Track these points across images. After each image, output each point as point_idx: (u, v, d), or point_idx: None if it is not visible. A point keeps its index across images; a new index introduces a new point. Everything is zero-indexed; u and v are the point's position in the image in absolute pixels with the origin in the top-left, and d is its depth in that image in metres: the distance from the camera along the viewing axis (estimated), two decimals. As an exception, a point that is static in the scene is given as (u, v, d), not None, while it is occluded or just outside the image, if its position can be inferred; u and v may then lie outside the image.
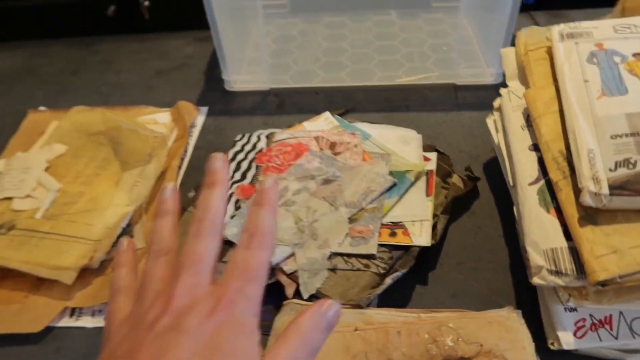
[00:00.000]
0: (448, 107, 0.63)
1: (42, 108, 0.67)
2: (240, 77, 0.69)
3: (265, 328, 0.41)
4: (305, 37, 0.78)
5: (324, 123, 0.57)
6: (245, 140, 0.55)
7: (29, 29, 0.90)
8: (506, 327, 0.36)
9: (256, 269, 0.26)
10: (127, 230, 0.49)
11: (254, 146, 0.54)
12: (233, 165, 0.52)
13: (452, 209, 0.48)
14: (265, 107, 0.66)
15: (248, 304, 0.25)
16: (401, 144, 0.53)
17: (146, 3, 1.36)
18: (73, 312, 0.44)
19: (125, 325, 0.26)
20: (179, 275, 0.26)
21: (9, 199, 0.50)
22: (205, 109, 0.66)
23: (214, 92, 0.69)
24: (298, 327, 0.26)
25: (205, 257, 0.27)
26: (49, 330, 0.43)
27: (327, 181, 0.49)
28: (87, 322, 0.43)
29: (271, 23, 0.81)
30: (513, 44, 0.51)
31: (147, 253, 0.29)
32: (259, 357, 0.24)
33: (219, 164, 0.30)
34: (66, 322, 0.43)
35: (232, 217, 0.47)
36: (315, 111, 0.63)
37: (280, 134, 0.55)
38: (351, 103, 0.65)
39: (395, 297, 0.42)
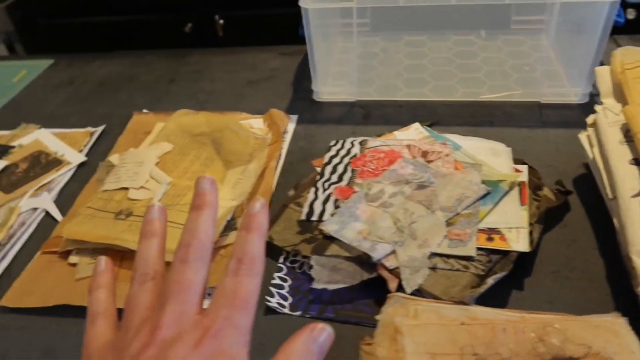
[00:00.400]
0: (533, 124, 0.64)
1: (145, 111, 0.73)
2: (327, 89, 0.72)
3: (364, 319, 0.43)
4: (386, 54, 0.82)
5: (414, 133, 0.59)
6: (339, 145, 0.58)
7: (128, 41, 0.98)
8: (613, 331, 0.36)
9: (245, 297, 0.26)
10: (231, 223, 0.52)
11: (348, 151, 0.57)
12: (329, 168, 0.55)
13: (545, 221, 0.49)
14: (352, 117, 0.69)
15: (237, 334, 0.24)
16: (491, 155, 0.55)
17: (221, 21, 1.44)
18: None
19: (107, 352, 0.26)
20: (165, 304, 0.25)
21: (125, 189, 0.55)
22: (295, 117, 0.69)
23: (302, 102, 0.73)
24: (289, 353, 0.25)
25: (192, 284, 0.26)
26: (162, 309, 0.46)
27: (421, 186, 0.51)
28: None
29: (354, 40, 0.85)
30: (601, 64, 0.52)
31: (132, 277, 0.28)
32: None
33: (207, 185, 0.30)
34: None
35: (332, 214, 0.49)
36: (400, 123, 0.65)
37: (373, 141, 0.58)
38: (435, 116, 0.67)
39: (493, 300, 0.43)
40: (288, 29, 1.16)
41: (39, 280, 0.49)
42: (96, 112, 0.75)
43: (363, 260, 0.45)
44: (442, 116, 0.67)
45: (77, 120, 0.74)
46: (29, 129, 0.71)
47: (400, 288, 0.43)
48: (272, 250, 0.50)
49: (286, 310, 0.45)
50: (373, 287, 0.44)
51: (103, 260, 0.31)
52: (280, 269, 0.48)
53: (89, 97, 0.79)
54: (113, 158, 0.60)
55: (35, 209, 0.58)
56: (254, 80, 0.80)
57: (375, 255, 0.44)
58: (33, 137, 0.69)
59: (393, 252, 0.45)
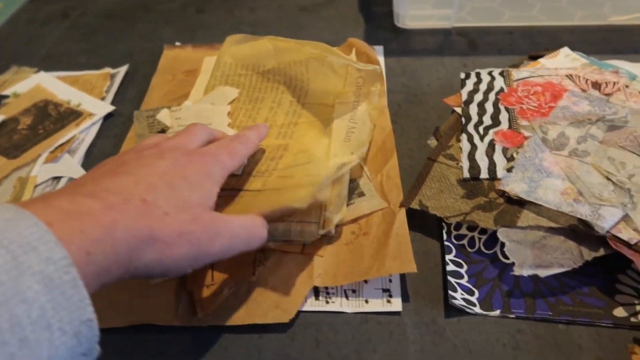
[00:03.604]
0: (687, 48, 0.51)
1: (178, 44, 0.56)
2: (414, 13, 0.57)
3: (597, 317, 0.30)
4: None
5: (567, 60, 0.45)
6: (474, 78, 0.44)
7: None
8: None
9: (234, 150, 0.32)
10: (352, 187, 0.37)
11: (490, 85, 0.43)
12: (474, 107, 0.41)
13: None
14: (454, 47, 0.54)
15: (219, 165, 0.30)
16: (679, 85, 0.42)
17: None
18: (318, 293, 0.33)
19: (127, 152, 0.31)
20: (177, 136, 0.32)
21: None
22: (380, 48, 0.54)
23: (381, 31, 0.57)
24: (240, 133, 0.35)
25: (236, 150, 0.32)
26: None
27: (614, 126, 0.37)
28: (340, 305, 0.32)
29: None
30: None
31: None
32: (214, 200, 0.28)
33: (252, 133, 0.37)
34: (314, 306, 0.32)
35: (508, 169, 0.35)
36: (518, 52, 0.52)
37: (519, 72, 0.43)
38: (558, 44, 0.53)
39: None
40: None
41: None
42: (111, 49, 0.57)
43: (579, 232, 0.32)
44: (567, 43, 0.53)
45: (88, 60, 0.55)
46: (22, 73, 0.53)
47: (647, 269, 0.30)
48: (423, 223, 0.35)
49: (477, 310, 0.31)
50: (593, 268, 0.31)
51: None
52: (449, 250, 0.34)
53: (96, 31, 0.61)
54: (162, 116, 0.43)
55: (56, 178, 0.41)
56: (307, 7, 0.63)
57: (604, 224, 0.31)
58: (31, 82, 0.51)
59: (624, 217, 0.31)
